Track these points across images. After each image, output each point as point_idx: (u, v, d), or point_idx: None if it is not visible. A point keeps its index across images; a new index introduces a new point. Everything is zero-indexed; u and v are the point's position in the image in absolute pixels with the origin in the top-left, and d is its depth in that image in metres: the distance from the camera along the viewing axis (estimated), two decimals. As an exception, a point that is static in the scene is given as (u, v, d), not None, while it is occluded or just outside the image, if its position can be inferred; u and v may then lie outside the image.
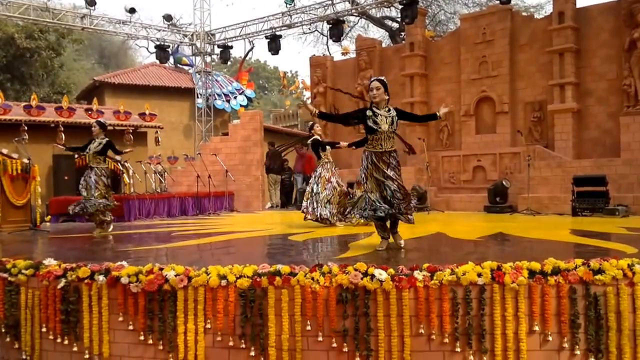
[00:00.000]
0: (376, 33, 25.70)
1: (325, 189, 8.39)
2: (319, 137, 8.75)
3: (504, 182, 11.63)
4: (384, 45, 18.10)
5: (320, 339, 3.81)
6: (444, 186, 13.80)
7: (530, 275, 3.78)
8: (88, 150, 7.99)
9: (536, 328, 3.73)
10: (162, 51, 18.31)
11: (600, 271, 3.81)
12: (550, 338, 3.74)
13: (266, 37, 16.89)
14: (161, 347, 4.04)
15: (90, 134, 8.18)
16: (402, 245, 5.58)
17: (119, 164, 13.45)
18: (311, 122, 9.31)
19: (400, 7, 14.46)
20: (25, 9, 15.49)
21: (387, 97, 5.37)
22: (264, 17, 17.26)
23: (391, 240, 5.64)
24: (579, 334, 3.74)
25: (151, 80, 22.98)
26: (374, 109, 5.33)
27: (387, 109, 5.34)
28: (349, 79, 16.33)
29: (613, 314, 3.75)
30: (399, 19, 21.16)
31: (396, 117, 5.33)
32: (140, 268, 4.16)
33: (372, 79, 5.53)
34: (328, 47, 26.06)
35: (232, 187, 13.89)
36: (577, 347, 3.73)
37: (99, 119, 9.06)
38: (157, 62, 20.20)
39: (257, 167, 14.43)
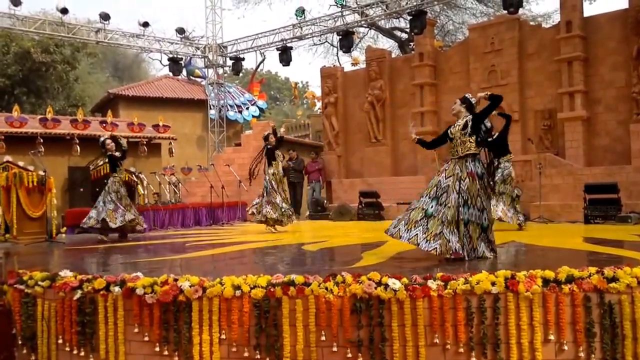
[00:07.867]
0: (385, 44, 25.76)
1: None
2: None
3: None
4: (393, 55, 18.14)
5: (335, 349, 3.82)
6: (456, 195, 13.75)
7: (544, 284, 3.78)
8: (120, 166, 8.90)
9: (551, 337, 3.73)
10: (175, 64, 18.46)
11: (614, 279, 3.80)
12: (565, 347, 3.73)
13: (277, 49, 16.98)
14: (177, 358, 4.07)
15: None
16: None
17: (133, 175, 13.56)
18: (267, 132, 10.23)
19: (409, 18, 14.52)
20: (41, 23, 15.72)
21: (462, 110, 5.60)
22: (275, 29, 17.33)
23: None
24: (595, 342, 3.73)
25: (164, 92, 23.18)
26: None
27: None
28: (359, 89, 16.37)
29: (628, 322, 3.74)
30: (407, 30, 21.22)
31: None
32: (155, 279, 4.20)
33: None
34: (338, 58, 26.12)
35: (245, 197, 13.94)
36: (593, 356, 3.72)
37: (113, 133, 9.45)
38: (170, 74, 20.37)
39: (270, 178, 14.47)
